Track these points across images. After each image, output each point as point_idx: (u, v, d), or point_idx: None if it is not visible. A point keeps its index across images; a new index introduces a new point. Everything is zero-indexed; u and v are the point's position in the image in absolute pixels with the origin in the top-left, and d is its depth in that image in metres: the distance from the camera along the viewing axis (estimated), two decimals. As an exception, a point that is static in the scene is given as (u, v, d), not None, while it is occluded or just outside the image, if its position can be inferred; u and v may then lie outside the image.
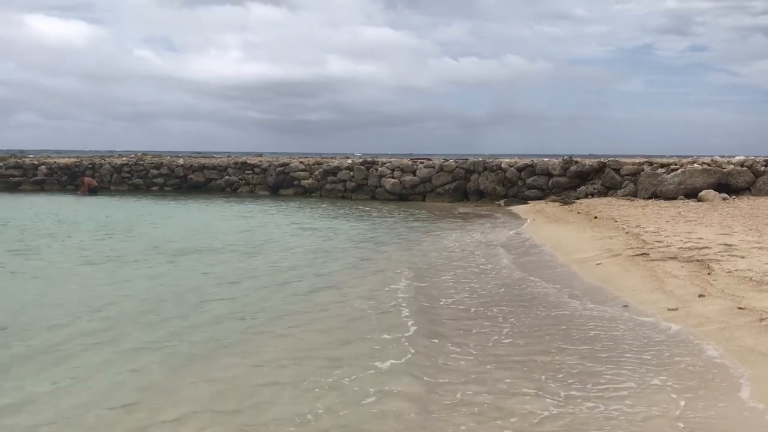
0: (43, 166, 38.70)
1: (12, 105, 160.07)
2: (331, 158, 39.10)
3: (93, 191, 35.14)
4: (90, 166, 38.63)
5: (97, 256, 14.65)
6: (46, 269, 12.99)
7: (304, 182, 34.41)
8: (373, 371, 6.82)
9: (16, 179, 38.13)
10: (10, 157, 42.34)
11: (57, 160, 40.33)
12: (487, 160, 31.03)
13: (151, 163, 38.62)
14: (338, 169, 33.63)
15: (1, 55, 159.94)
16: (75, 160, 40.67)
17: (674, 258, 11.11)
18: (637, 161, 27.31)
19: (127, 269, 13.10)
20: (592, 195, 26.20)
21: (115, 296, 10.58)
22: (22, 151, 54.17)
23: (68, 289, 11.20)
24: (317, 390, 6.34)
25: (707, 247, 11.75)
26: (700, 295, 8.55)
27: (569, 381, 6.33)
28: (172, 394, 6.38)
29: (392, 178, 31.75)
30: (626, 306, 8.88)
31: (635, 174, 26.01)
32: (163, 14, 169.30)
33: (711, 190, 22.81)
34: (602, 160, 28.43)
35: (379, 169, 32.34)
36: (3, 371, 7.03)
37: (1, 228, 19.80)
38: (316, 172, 34.14)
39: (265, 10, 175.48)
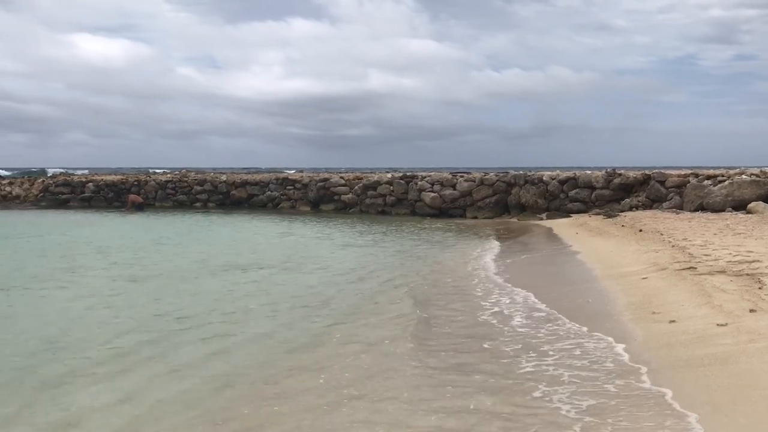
0: (91, 184, 39.73)
1: (61, 124, 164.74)
2: (371, 173, 39.24)
3: (139, 208, 35.94)
4: (136, 183, 39.49)
5: (142, 271, 14.93)
6: (93, 285, 13.27)
7: (344, 197, 34.55)
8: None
9: (64, 196, 39.19)
10: (60, 174, 43.60)
11: (104, 178, 41.36)
12: (529, 173, 30.76)
13: (195, 179, 39.33)
14: (378, 183, 33.72)
15: (50, 76, 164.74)
16: (121, 177, 41.65)
17: (723, 272, 10.82)
18: (683, 173, 26.73)
19: (173, 285, 13.32)
20: (637, 208, 25.73)
21: (160, 312, 10.77)
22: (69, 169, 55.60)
23: (115, 305, 11.40)
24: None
25: (758, 261, 11.41)
26: (751, 310, 8.30)
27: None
28: (220, 413, 6.43)
29: (432, 192, 31.69)
30: (673, 321, 8.66)
31: (681, 186, 25.47)
32: (205, 31, 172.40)
33: (760, 202, 22.16)
34: (646, 172, 27.89)
35: (419, 183, 32.33)
36: (54, 386, 7.18)
37: (50, 244, 20.34)
38: (356, 187, 34.27)
39: (307, 25, 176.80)
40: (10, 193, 39.66)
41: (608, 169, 28.88)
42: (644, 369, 7.09)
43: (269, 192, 37.05)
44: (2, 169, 51.06)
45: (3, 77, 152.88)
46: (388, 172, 40.93)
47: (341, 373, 7.51)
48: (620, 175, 27.67)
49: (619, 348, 7.96)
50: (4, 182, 41.50)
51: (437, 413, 6.14)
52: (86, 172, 48.65)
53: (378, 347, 8.56)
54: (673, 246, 14.39)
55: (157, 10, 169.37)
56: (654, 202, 25.92)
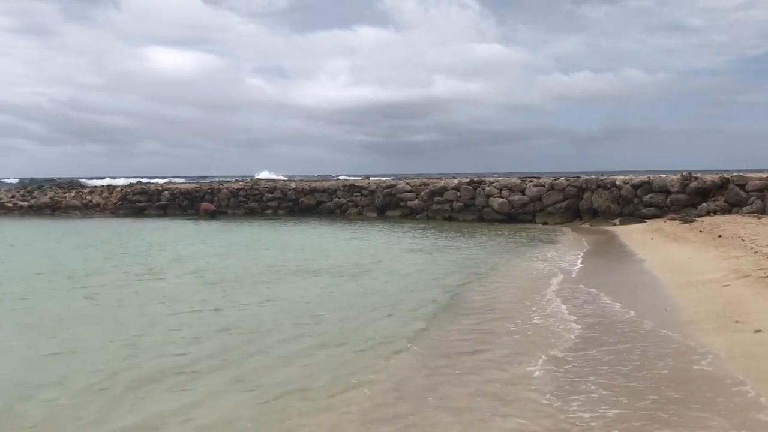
0: (166, 192, 41.01)
1: (137, 135, 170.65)
2: (437, 179, 39.16)
3: (212, 215, 36.90)
4: (209, 191, 40.56)
5: (216, 277, 15.26)
6: (169, 290, 13.64)
7: (410, 203, 34.60)
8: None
9: (141, 204, 40.58)
10: (137, 183, 45.21)
11: (179, 186, 42.64)
12: (601, 178, 30.08)
13: (266, 187, 40.17)
14: (444, 189, 33.59)
15: (127, 88, 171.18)
16: (195, 185, 42.86)
17: (812, 279, 10.29)
18: (765, 176, 25.60)
19: (247, 290, 13.56)
20: (714, 212, 24.80)
21: (234, 317, 10.97)
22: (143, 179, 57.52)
23: (191, 310, 11.66)
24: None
25: None
26: None
27: None
28: (292, 420, 6.47)
29: (500, 197, 31.35)
30: (759, 331, 8.28)
31: (763, 190, 24.41)
32: (274, 42, 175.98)
33: None
34: (725, 175, 26.82)
35: (487, 188, 32.03)
36: (131, 390, 7.38)
37: (128, 251, 21.03)
38: (423, 193, 34.24)
39: (373, 33, 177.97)
40: (91, 201, 41.33)
41: (684, 173, 27.92)
42: (728, 380, 6.80)
43: (337, 199, 37.47)
44: (84, 178, 53.35)
45: (83, 90, 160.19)
46: (454, 177, 40.78)
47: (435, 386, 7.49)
48: (697, 178, 26.72)
49: (701, 357, 7.66)
50: (85, 191, 43.31)
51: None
52: (160, 180, 50.25)
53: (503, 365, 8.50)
54: (756, 252, 13.78)
55: (228, 23, 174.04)
56: (733, 207, 24.93)
